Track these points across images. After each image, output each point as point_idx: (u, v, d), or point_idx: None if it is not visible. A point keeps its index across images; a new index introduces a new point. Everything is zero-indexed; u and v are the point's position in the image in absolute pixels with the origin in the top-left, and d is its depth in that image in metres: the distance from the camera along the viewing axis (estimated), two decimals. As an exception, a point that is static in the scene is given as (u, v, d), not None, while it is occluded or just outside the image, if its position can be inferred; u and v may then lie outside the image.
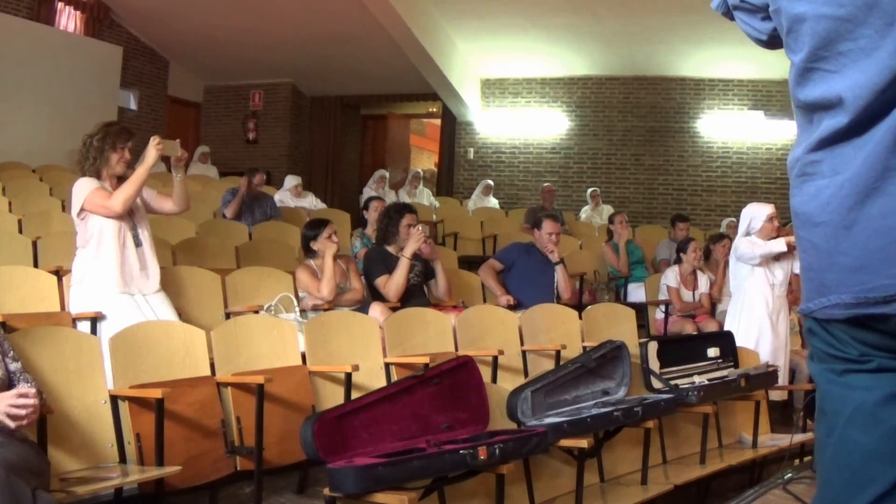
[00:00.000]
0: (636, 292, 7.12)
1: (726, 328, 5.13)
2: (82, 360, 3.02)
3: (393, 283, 4.93)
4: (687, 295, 6.42)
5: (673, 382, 4.10)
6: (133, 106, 11.67)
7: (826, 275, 1.18)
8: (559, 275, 5.72)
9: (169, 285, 4.17)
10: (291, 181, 8.88)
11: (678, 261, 6.56)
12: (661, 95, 11.42)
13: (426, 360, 3.68)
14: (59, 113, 9.94)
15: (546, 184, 10.66)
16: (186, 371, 3.29)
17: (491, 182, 11.13)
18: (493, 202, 11.03)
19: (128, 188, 3.86)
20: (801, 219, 1.22)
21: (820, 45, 1.16)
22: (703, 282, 6.50)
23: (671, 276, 6.47)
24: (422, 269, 5.21)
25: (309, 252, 4.95)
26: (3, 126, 9.24)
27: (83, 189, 3.86)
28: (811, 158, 1.20)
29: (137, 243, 3.93)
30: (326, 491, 2.56)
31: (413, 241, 4.96)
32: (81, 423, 2.93)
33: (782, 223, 5.36)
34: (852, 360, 1.20)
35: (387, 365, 3.92)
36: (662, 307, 6.51)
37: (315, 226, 5.00)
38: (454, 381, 3.18)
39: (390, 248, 5.18)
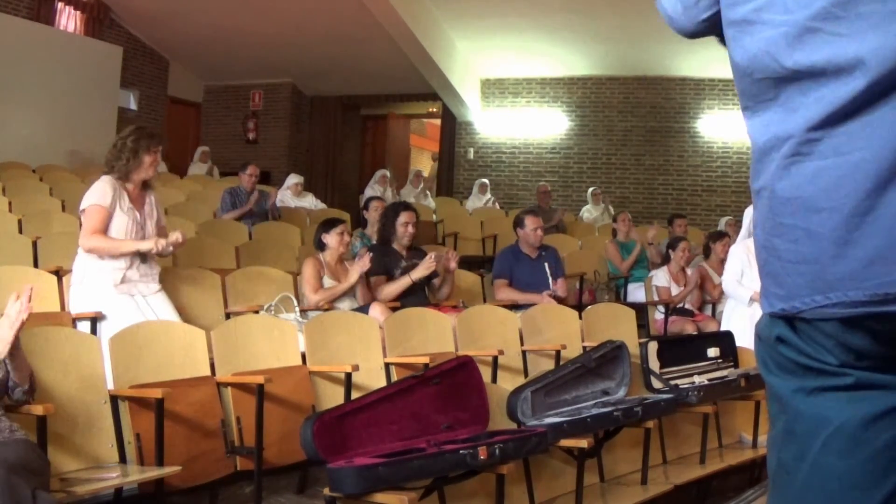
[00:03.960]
0: (636, 292, 7.11)
1: (723, 328, 5.13)
2: (82, 360, 3.02)
3: (386, 292, 4.97)
4: (678, 292, 6.43)
5: (673, 382, 4.10)
6: (133, 106, 11.68)
7: (830, 268, 1.04)
8: (548, 269, 5.74)
9: (169, 285, 4.16)
10: (293, 179, 8.89)
11: (667, 259, 6.58)
12: (661, 95, 11.42)
13: (426, 360, 3.68)
14: (59, 113, 9.94)
15: (541, 183, 10.66)
16: (186, 371, 3.29)
17: (486, 181, 11.07)
18: (489, 198, 10.93)
19: (108, 247, 3.80)
20: (795, 205, 1.07)
21: (837, 3, 1.03)
22: (693, 278, 6.50)
23: (661, 276, 6.48)
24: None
25: (321, 245, 4.97)
26: (3, 126, 9.24)
27: (97, 196, 3.82)
28: (809, 137, 1.06)
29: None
30: (326, 491, 2.57)
31: (423, 268, 5.00)
32: (81, 423, 2.93)
33: None
34: (827, 373, 1.09)
35: (387, 365, 3.92)
36: (662, 307, 6.51)
37: (330, 223, 5.04)
38: (454, 381, 3.18)
39: (394, 246, 5.21)
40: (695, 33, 1.26)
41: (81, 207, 3.87)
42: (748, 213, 5.32)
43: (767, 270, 1.12)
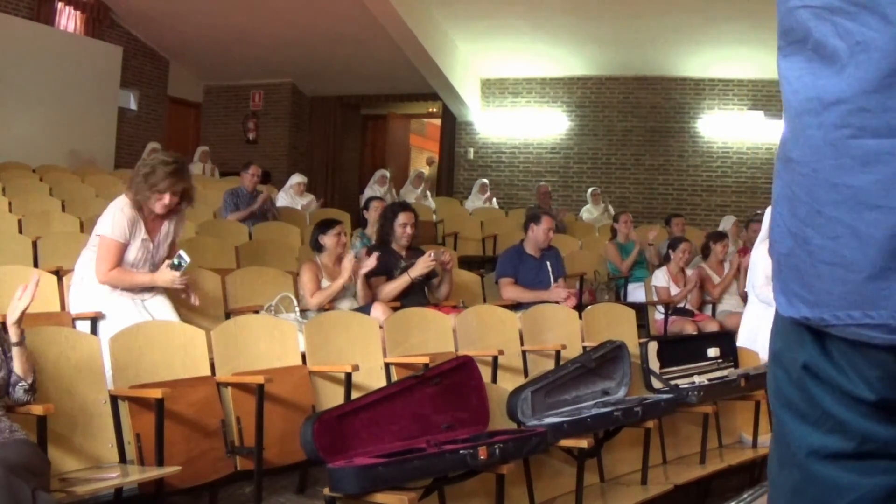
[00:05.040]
0: (636, 292, 7.11)
1: (745, 331, 5.03)
2: (82, 360, 3.02)
3: (385, 292, 4.96)
4: (677, 292, 6.43)
5: (673, 382, 4.10)
6: (133, 106, 11.68)
7: (877, 282, 0.83)
8: (550, 268, 5.75)
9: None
10: (296, 178, 8.89)
11: (667, 259, 6.58)
12: (661, 95, 11.42)
13: (426, 360, 3.68)
14: (59, 113, 9.94)
15: (541, 183, 10.67)
16: (186, 371, 3.29)
17: (486, 181, 11.07)
18: (487, 197, 10.90)
19: (126, 283, 3.76)
20: (842, 193, 0.84)
21: None
22: (693, 279, 6.50)
23: (660, 276, 6.48)
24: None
25: (317, 247, 4.97)
26: (3, 126, 9.25)
27: (112, 230, 3.72)
28: (863, 105, 0.81)
29: (150, 269, 3.90)
30: (326, 491, 2.56)
31: (421, 266, 4.98)
32: (81, 423, 2.93)
33: None
34: (848, 433, 0.93)
35: (387, 365, 3.92)
36: (662, 307, 6.51)
37: (326, 224, 5.03)
38: (454, 381, 3.18)
39: (393, 246, 5.21)
40: None
41: (97, 232, 3.78)
42: (769, 213, 5.09)
43: (793, 264, 0.92)
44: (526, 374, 4.38)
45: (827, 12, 0.83)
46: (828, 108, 0.85)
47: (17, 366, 2.67)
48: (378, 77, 12.01)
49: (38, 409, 2.66)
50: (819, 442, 0.95)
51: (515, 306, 5.28)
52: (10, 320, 2.69)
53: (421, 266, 4.98)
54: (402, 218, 5.23)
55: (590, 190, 10.77)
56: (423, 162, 15.84)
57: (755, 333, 4.85)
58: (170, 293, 4.03)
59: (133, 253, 3.82)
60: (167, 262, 3.82)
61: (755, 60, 10.08)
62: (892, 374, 0.87)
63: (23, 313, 2.71)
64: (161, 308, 3.91)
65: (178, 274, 3.78)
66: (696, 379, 4.23)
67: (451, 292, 5.32)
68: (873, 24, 0.80)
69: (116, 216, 3.77)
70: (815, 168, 0.87)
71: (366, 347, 3.91)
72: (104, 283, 3.76)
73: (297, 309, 4.55)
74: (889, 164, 0.81)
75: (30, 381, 2.69)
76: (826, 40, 0.84)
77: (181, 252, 3.84)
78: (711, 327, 6.08)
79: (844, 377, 0.90)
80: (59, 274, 4.12)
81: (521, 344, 4.52)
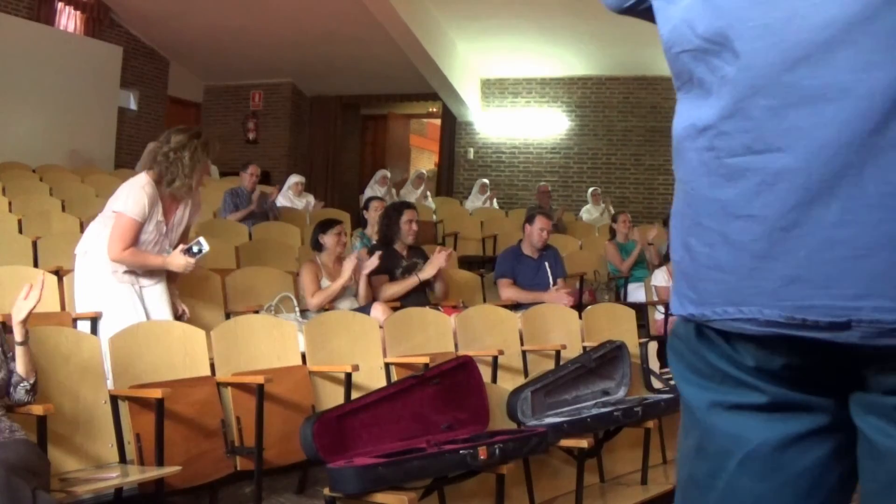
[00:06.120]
0: (636, 292, 7.11)
1: None
2: (82, 360, 3.03)
3: (391, 292, 4.97)
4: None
5: (673, 382, 4.09)
6: (133, 106, 11.67)
7: (746, 281, 0.94)
8: (549, 269, 5.75)
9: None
10: (294, 178, 8.89)
11: (667, 259, 6.58)
12: (661, 95, 11.41)
13: (426, 360, 3.68)
14: (59, 113, 9.94)
15: (542, 183, 10.67)
16: (186, 371, 3.30)
17: (486, 181, 11.07)
18: (487, 197, 10.90)
19: (137, 262, 3.66)
20: (714, 206, 0.97)
21: None
22: None
23: (660, 276, 6.49)
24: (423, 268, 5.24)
25: (318, 246, 4.97)
26: (3, 126, 9.24)
27: (132, 208, 3.61)
28: (722, 129, 0.95)
29: (161, 251, 3.85)
30: (326, 491, 2.57)
31: (432, 267, 5.00)
32: (81, 423, 2.93)
33: None
34: (746, 386, 1.01)
35: (387, 365, 3.92)
36: (662, 307, 6.51)
37: (327, 224, 5.04)
38: (454, 381, 3.18)
39: (396, 246, 5.21)
40: (622, 10, 1.22)
41: (114, 208, 3.66)
42: None
43: (682, 269, 1.04)
44: (526, 374, 4.38)
45: (701, 53, 0.97)
46: (700, 134, 0.98)
47: (20, 366, 2.67)
48: (378, 77, 12.01)
49: (38, 409, 2.66)
50: (722, 395, 1.03)
51: (515, 306, 5.28)
52: (16, 319, 2.68)
53: (432, 267, 4.99)
54: (407, 215, 5.25)
55: (590, 190, 10.77)
56: (423, 162, 15.84)
57: None
58: (170, 286, 3.92)
59: (145, 234, 3.70)
60: (182, 246, 3.71)
61: (755, 60, 10.07)
62: (762, 363, 0.99)
63: (29, 313, 2.70)
64: (157, 300, 3.80)
65: (192, 260, 3.68)
66: (696, 379, 4.23)
67: (447, 291, 5.32)
68: (729, 58, 0.94)
69: (138, 194, 3.62)
70: (693, 186, 1.00)
71: (366, 347, 3.91)
72: (116, 261, 3.63)
73: (297, 309, 4.55)
74: (748, 178, 0.93)
75: (32, 381, 2.69)
76: (703, 77, 0.98)
77: (201, 238, 3.73)
78: (711, 327, 6.08)
79: (731, 349, 1.01)
80: (59, 274, 4.12)
81: (521, 344, 4.52)
